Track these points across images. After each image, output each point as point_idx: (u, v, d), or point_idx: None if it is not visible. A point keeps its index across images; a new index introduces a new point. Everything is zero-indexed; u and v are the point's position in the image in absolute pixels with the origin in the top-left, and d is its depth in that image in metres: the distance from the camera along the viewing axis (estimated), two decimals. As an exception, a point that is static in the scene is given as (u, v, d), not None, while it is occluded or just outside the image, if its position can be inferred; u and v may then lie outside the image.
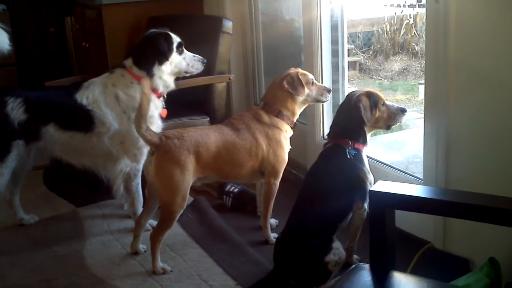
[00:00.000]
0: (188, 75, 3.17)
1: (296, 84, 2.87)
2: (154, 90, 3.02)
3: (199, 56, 3.14)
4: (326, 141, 2.76)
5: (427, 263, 2.61)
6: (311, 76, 2.95)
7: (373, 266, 1.80)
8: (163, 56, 3.00)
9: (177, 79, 3.16)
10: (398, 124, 2.75)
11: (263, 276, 2.60)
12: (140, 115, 2.55)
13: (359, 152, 2.62)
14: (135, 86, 2.99)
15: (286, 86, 2.85)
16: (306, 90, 2.90)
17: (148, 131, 2.60)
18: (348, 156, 2.58)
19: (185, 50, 3.10)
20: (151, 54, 2.99)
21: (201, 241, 3.05)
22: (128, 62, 3.03)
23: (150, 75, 2.99)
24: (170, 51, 3.03)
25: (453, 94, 2.52)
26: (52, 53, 5.83)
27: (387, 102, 2.68)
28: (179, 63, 3.07)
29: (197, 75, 3.23)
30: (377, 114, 2.64)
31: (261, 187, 3.10)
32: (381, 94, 2.68)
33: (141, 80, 2.76)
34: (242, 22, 4.33)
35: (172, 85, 3.10)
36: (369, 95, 2.63)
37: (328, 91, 2.98)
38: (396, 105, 2.71)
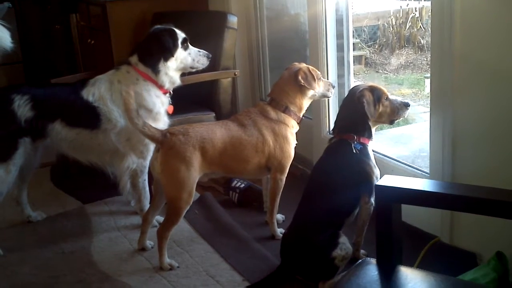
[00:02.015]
0: (193, 70, 3.17)
1: (310, 78, 2.87)
2: (160, 86, 3.02)
3: (204, 51, 3.14)
4: (331, 136, 2.75)
5: (434, 258, 2.60)
6: (318, 71, 2.96)
7: (379, 261, 1.80)
8: (168, 52, 3.00)
9: (183, 75, 3.16)
10: (401, 118, 2.74)
11: (270, 272, 2.60)
12: (127, 110, 2.55)
13: (364, 146, 2.62)
14: (140, 83, 3.00)
15: (302, 81, 2.85)
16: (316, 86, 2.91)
17: (145, 126, 2.59)
18: (354, 151, 2.57)
19: (190, 46, 3.10)
20: (156, 51, 3.00)
21: (207, 237, 3.06)
22: (134, 59, 3.04)
23: (156, 71, 2.99)
24: (175, 47, 3.03)
25: (459, 87, 2.51)
26: (57, 50, 5.85)
27: (391, 97, 2.67)
28: (184, 59, 3.07)
29: (203, 71, 3.24)
30: (380, 109, 2.63)
31: (267, 182, 3.10)
32: (385, 89, 2.67)
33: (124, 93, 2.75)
34: (247, 17, 4.32)
35: (178, 81, 3.10)
36: (372, 90, 2.62)
37: (333, 86, 3.01)
38: (399, 99, 2.70)
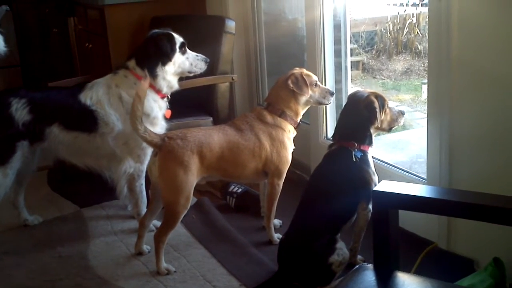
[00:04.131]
0: (191, 75, 3.17)
1: (301, 83, 2.87)
2: (158, 91, 3.02)
3: (202, 56, 3.14)
4: (330, 142, 2.75)
5: (431, 263, 2.61)
6: (315, 77, 2.95)
7: (377, 266, 1.80)
8: (166, 57, 3.00)
9: (180, 79, 3.16)
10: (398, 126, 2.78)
11: (267, 277, 2.60)
12: (134, 116, 2.55)
13: (364, 153, 2.62)
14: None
15: (291, 85, 2.85)
16: (309, 91, 2.90)
17: (146, 132, 2.60)
18: (354, 159, 2.57)
19: (188, 50, 3.10)
20: (154, 55, 3.00)
21: (205, 241, 3.06)
22: (131, 63, 3.04)
23: (154, 76, 2.99)
24: (173, 51, 3.03)
25: (456, 93, 2.52)
26: (55, 54, 5.84)
27: (389, 105, 2.71)
28: (182, 63, 3.07)
29: (200, 75, 3.24)
30: (382, 116, 2.65)
31: (264, 187, 3.10)
32: (385, 97, 2.69)
33: (141, 81, 2.75)
34: (245, 22, 4.33)
35: (175, 86, 3.10)
36: (377, 97, 2.64)
37: (331, 94, 2.98)
38: (396, 108, 2.74)
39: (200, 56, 3.14)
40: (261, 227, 3.11)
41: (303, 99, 2.91)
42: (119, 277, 2.78)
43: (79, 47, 5.09)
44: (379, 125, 2.64)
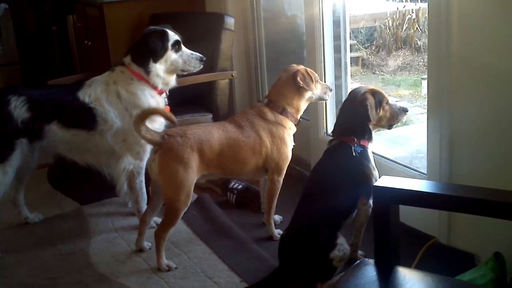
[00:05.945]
0: (185, 73, 3.14)
1: (308, 80, 2.88)
2: (154, 87, 3.01)
3: (198, 54, 3.09)
4: (330, 137, 2.75)
5: (432, 258, 2.61)
6: (315, 74, 2.96)
7: (377, 261, 1.80)
8: (155, 54, 2.97)
9: (179, 76, 3.15)
10: (399, 123, 2.77)
11: (267, 273, 2.60)
12: (140, 119, 2.58)
13: (364, 148, 2.62)
14: (135, 82, 2.99)
15: (301, 82, 2.85)
16: (314, 87, 2.91)
17: (148, 132, 2.61)
18: (354, 154, 2.57)
19: (183, 48, 3.06)
20: (145, 51, 2.98)
21: (205, 238, 3.06)
22: (127, 59, 3.03)
23: (147, 71, 2.98)
24: (164, 49, 2.99)
25: (456, 89, 2.51)
26: (54, 52, 5.84)
27: (390, 102, 2.69)
28: (175, 61, 3.04)
29: (200, 72, 3.22)
30: (381, 113, 2.64)
31: (264, 183, 3.10)
32: (385, 93, 2.68)
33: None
34: (244, 19, 4.32)
35: (172, 83, 3.09)
36: (374, 93, 2.63)
37: (330, 90, 3.01)
38: (398, 104, 2.72)
39: (195, 54, 3.09)
40: (262, 223, 3.12)
41: (308, 95, 2.91)
42: (120, 274, 2.78)
43: (78, 44, 5.08)
44: (374, 122, 2.63)
